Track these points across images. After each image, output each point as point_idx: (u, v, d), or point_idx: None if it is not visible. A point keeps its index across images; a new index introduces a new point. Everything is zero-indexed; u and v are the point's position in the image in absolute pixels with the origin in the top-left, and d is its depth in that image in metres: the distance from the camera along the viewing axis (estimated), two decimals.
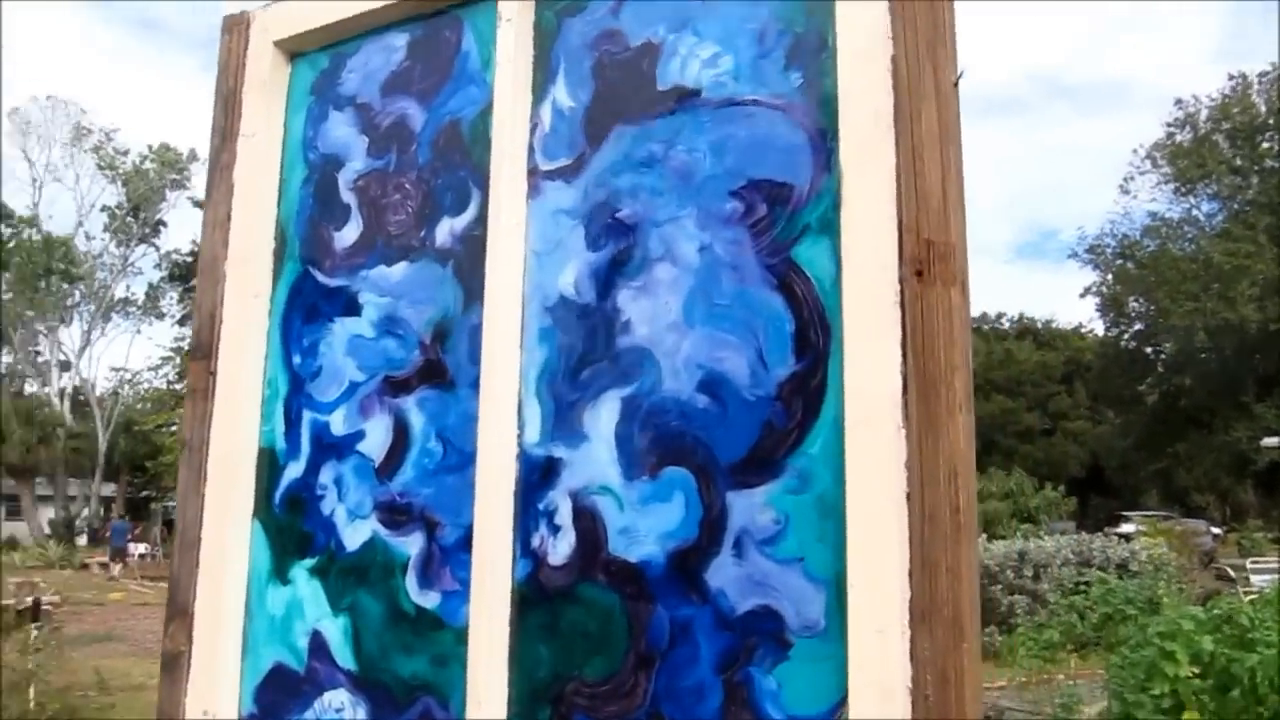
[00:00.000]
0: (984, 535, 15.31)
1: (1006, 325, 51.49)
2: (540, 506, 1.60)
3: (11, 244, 43.92)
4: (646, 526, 1.51)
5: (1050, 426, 46.00)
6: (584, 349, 1.61)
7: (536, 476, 1.61)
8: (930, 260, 1.32)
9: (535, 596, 1.58)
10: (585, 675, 1.52)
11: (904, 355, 1.31)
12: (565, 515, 1.58)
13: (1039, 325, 52.03)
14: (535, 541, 1.60)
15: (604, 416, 1.57)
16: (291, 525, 1.87)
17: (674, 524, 1.48)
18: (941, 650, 1.23)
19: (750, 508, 1.43)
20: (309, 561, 1.83)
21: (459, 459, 1.69)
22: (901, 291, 1.33)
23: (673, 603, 1.47)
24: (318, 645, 1.79)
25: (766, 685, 1.38)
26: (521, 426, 1.64)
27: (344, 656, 1.75)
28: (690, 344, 1.52)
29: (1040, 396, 46.48)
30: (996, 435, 39.60)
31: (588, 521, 1.56)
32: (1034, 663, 9.76)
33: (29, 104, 47.12)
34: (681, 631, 1.46)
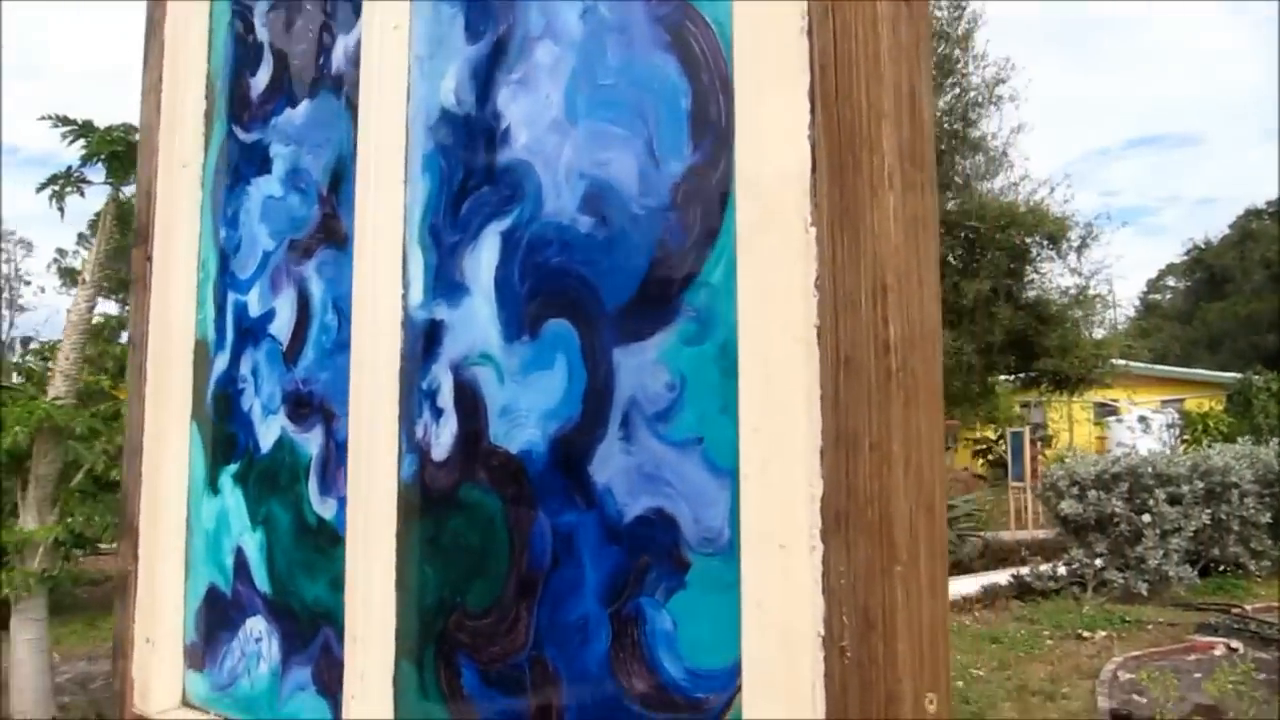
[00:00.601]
0: (1274, 436, 13.40)
1: None
2: (424, 385, 1.22)
3: None
4: (528, 403, 1.10)
5: None
6: (464, 175, 1.21)
7: (420, 347, 1.24)
8: None
9: (420, 502, 1.21)
10: (468, 604, 1.14)
11: (812, 110, 0.82)
12: (447, 394, 1.19)
13: None
14: (419, 431, 1.22)
15: (484, 260, 1.16)
16: (220, 426, 1.59)
17: (555, 399, 1.07)
18: (863, 576, 0.75)
19: (639, 369, 0.99)
20: (233, 467, 1.55)
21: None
22: (809, 12, 0.83)
23: (555, 506, 1.06)
24: (241, 564, 1.51)
25: (660, 623, 0.95)
26: (406, 285, 1.26)
27: (260, 577, 1.47)
28: (572, 147, 1.08)
29: None
30: None
31: (469, 401, 1.16)
32: None
33: None
34: (564, 546, 1.04)
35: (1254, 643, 8.24)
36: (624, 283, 1.00)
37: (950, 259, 20.22)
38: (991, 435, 22.86)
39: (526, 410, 1.09)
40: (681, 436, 0.94)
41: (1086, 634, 8.43)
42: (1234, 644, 8.20)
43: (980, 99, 20.48)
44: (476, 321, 1.16)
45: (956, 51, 20.74)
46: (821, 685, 0.77)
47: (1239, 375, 23.04)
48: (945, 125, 20.49)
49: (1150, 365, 25.78)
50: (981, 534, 13.53)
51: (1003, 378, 21.64)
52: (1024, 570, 10.27)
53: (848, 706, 0.75)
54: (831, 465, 0.78)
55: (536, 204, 1.10)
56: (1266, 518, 10.42)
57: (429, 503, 1.20)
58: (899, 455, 0.74)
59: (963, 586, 10.29)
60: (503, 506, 1.11)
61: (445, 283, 1.21)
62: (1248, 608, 9.31)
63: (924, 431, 0.76)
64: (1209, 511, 10.08)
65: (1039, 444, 19.04)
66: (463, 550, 1.15)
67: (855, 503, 0.76)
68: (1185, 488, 9.94)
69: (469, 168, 1.19)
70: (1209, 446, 12.03)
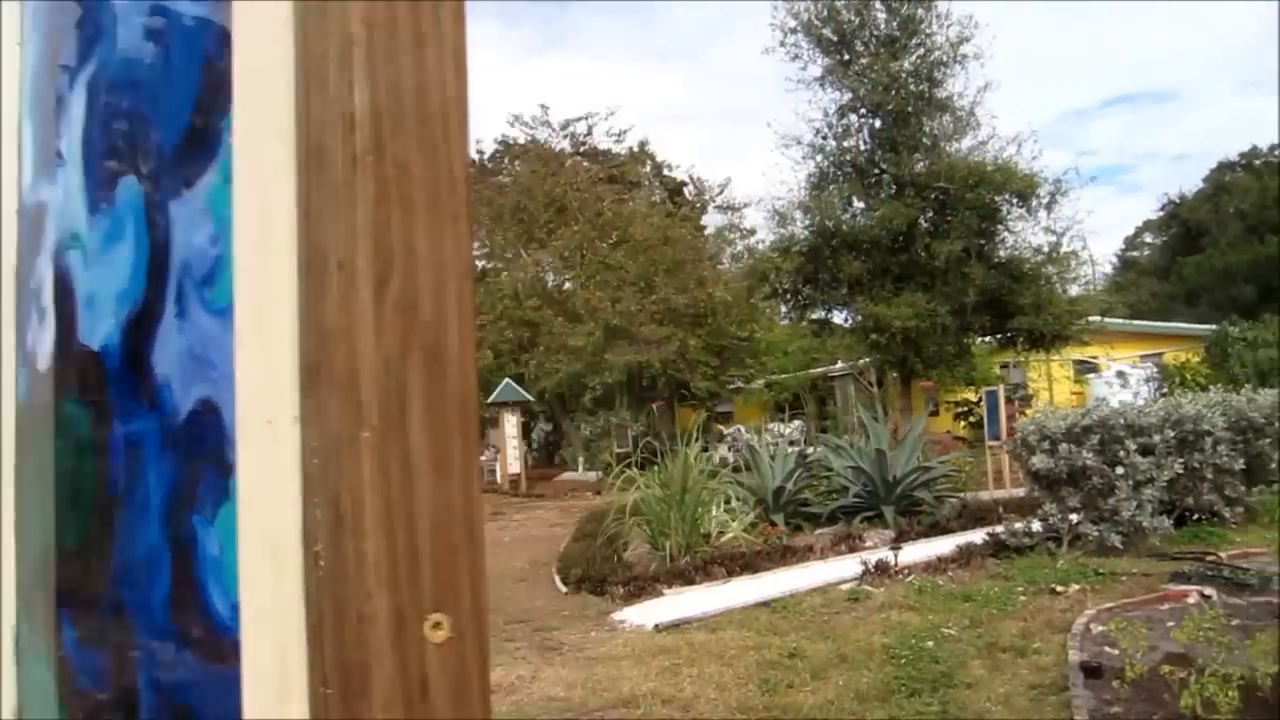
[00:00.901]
0: (1249, 385, 13.29)
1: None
2: (32, 285, 1.00)
3: None
4: (106, 288, 0.87)
5: None
6: (61, 19, 0.98)
7: (30, 238, 1.01)
8: None
9: (31, 426, 0.99)
10: (65, 544, 0.93)
11: None
12: (48, 291, 0.97)
13: None
14: (30, 339, 1.00)
15: (75, 118, 0.94)
16: None
17: (126, 277, 0.84)
18: (334, 452, 0.54)
19: (190, 222, 0.76)
20: None
21: None
22: None
23: (126, 413, 0.84)
24: None
25: (209, 548, 0.73)
26: (20, 166, 1.04)
27: None
28: None
29: None
30: (1275, 280, 34.64)
31: (63, 294, 0.94)
32: None
33: None
34: (134, 461, 0.82)
35: (1227, 589, 8.08)
36: (177, 117, 0.78)
37: (921, 220, 19.99)
38: (972, 397, 22.71)
39: (106, 296, 0.87)
40: (224, 302, 0.72)
41: (1060, 588, 8.26)
42: (1207, 591, 8.05)
43: (945, 58, 20.19)
44: (69, 195, 0.94)
45: (920, 11, 20.43)
46: (303, 607, 0.55)
47: (1215, 327, 22.91)
48: (911, 87, 20.20)
49: (1127, 321, 25.64)
50: (959, 494, 13.39)
51: (978, 339, 21.46)
52: (999, 528, 10.11)
53: (324, 634, 0.54)
54: (305, 298, 0.56)
55: (112, 40, 0.88)
56: (1240, 464, 10.27)
57: (38, 425, 0.98)
58: (366, 272, 0.52)
59: (938, 547, 10.14)
60: (89, 419, 0.89)
61: (48, 156, 0.98)
62: (1222, 555, 9.16)
63: (421, 244, 0.54)
64: (1182, 461, 9.92)
65: (1018, 403, 18.89)
66: (63, 478, 0.94)
67: (324, 350, 0.54)
68: (1157, 437, 9.76)
69: (65, 13, 0.97)
70: (1181, 395, 11.87)
